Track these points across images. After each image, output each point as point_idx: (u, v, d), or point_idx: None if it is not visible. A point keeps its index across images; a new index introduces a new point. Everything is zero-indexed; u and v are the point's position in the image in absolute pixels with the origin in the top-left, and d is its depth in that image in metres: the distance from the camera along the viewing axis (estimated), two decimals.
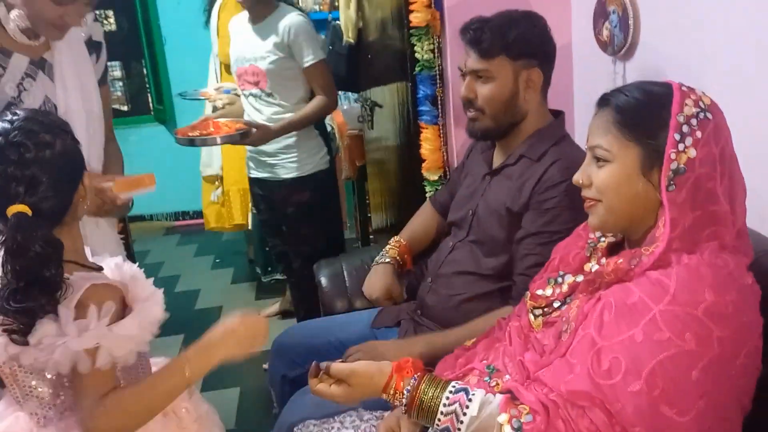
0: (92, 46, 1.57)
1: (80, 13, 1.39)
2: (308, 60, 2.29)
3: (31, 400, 1.11)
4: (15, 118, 1.05)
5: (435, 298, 1.65)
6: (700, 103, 1.02)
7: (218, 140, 2.28)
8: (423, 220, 1.95)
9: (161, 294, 1.15)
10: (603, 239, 1.17)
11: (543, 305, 1.17)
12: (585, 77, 2.01)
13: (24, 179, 1.01)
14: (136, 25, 4.71)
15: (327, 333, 1.77)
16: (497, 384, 1.13)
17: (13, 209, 1.01)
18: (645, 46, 1.67)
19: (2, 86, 1.39)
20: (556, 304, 1.17)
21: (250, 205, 3.45)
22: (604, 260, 1.14)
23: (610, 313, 0.98)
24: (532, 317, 1.19)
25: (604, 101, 1.09)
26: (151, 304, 1.11)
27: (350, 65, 2.96)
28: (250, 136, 2.27)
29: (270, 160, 2.47)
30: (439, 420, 1.03)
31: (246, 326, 1.18)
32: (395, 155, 2.58)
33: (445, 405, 1.03)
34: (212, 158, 3.53)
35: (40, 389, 1.10)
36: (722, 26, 1.40)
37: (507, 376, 1.14)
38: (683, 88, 1.04)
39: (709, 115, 1.01)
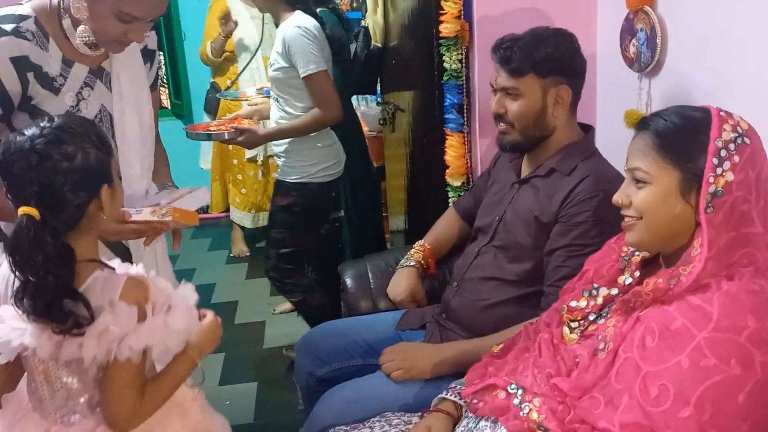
0: (147, 54, 1.61)
1: (143, 30, 1.42)
2: (302, 72, 2.28)
3: (58, 395, 1.14)
4: (46, 125, 1.08)
5: (460, 302, 1.70)
6: (738, 128, 1.06)
7: (211, 137, 2.52)
8: (446, 225, 2.00)
9: (191, 287, 1.19)
10: (637, 253, 1.21)
11: (579, 318, 1.22)
12: (609, 92, 2.06)
13: (38, 185, 1.05)
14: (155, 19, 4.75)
15: (353, 333, 1.82)
16: (530, 410, 1.17)
17: (24, 210, 1.04)
18: (671, 65, 1.72)
19: (62, 96, 1.42)
20: (591, 317, 1.21)
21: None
22: (637, 273, 1.19)
23: (653, 338, 1.03)
24: (567, 330, 1.23)
25: (643, 125, 1.13)
26: (187, 299, 1.16)
27: (373, 69, 3.01)
28: (238, 137, 2.38)
29: (277, 161, 2.56)
30: None
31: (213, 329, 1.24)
32: (416, 159, 2.63)
33: None
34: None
35: (70, 384, 1.13)
36: (750, 48, 1.44)
37: (537, 400, 1.17)
38: (721, 113, 1.08)
39: (747, 140, 1.06)
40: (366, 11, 3.05)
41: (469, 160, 2.21)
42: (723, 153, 1.04)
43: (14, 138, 1.07)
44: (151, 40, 1.63)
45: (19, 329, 1.08)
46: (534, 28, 1.65)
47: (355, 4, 4.53)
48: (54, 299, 1.04)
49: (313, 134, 2.40)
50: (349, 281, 2.10)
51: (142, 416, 1.13)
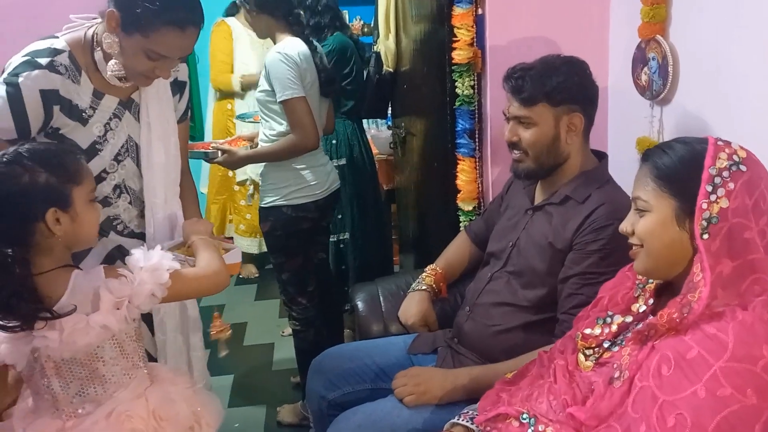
0: (177, 85, 1.65)
1: (170, 66, 1.48)
2: (278, 97, 2.30)
3: (71, 386, 1.24)
4: (13, 149, 1.20)
5: (473, 326, 1.70)
6: (734, 157, 1.08)
7: (190, 155, 2.45)
8: (458, 249, 2.01)
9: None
10: (651, 281, 1.23)
11: (593, 345, 1.22)
12: (621, 120, 2.08)
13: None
14: (183, 58, 4.82)
15: (364, 356, 1.82)
16: None
17: None
18: (683, 93, 1.73)
19: (90, 126, 1.47)
20: (606, 344, 1.22)
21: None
22: (651, 301, 1.20)
23: (669, 367, 1.03)
24: (582, 357, 1.23)
25: (645, 156, 1.17)
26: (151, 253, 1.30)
27: (385, 93, 3.05)
28: (218, 157, 2.43)
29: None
30: None
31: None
32: (428, 183, 2.65)
33: None
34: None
35: (81, 374, 1.25)
36: (761, 77, 1.46)
37: (550, 429, 1.17)
38: (719, 143, 1.10)
39: (743, 168, 1.07)
40: (377, 36, 3.09)
41: (480, 185, 2.22)
42: (717, 180, 1.06)
43: None
44: (182, 72, 1.67)
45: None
46: (545, 57, 1.67)
47: (366, 29, 4.60)
48: (7, 302, 1.14)
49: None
50: (360, 304, 2.10)
51: (218, 270, 1.38)
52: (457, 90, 2.15)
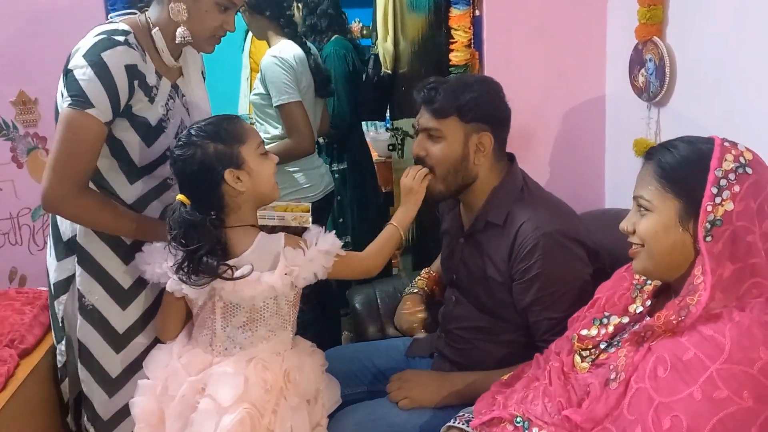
0: (204, 76, 1.71)
1: (233, 19, 1.54)
2: (274, 101, 2.30)
3: (229, 328, 1.41)
4: (187, 130, 1.39)
5: (452, 352, 1.67)
6: (741, 159, 1.07)
7: None
8: None
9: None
10: (649, 282, 1.22)
11: (590, 346, 1.22)
12: (618, 121, 2.08)
13: (180, 176, 1.38)
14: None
15: (363, 358, 1.82)
16: None
17: (178, 197, 1.37)
18: (680, 94, 1.74)
19: (156, 105, 1.50)
20: (602, 345, 1.21)
21: None
22: (649, 302, 1.19)
23: (665, 369, 1.03)
24: (578, 359, 1.23)
25: (648, 155, 1.15)
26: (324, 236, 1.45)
27: (383, 95, 3.05)
28: None
29: None
30: None
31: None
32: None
33: None
34: None
35: (240, 322, 1.41)
36: (757, 78, 1.46)
37: None
38: (725, 144, 1.09)
39: (749, 170, 1.06)
40: (376, 38, 3.10)
41: None
42: (723, 182, 1.05)
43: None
44: (203, 65, 1.73)
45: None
46: (460, 75, 1.67)
47: (365, 32, 4.61)
48: (200, 259, 1.34)
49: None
50: (358, 306, 2.11)
51: (380, 258, 1.58)
52: None
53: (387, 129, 3.57)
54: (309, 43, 2.53)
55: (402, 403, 1.55)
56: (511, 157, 1.62)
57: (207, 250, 1.34)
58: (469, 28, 2.09)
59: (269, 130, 2.39)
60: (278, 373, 1.40)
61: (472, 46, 2.10)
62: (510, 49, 2.08)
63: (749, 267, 1.05)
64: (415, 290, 1.89)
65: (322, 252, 1.40)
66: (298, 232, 1.50)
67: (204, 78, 1.73)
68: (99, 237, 1.52)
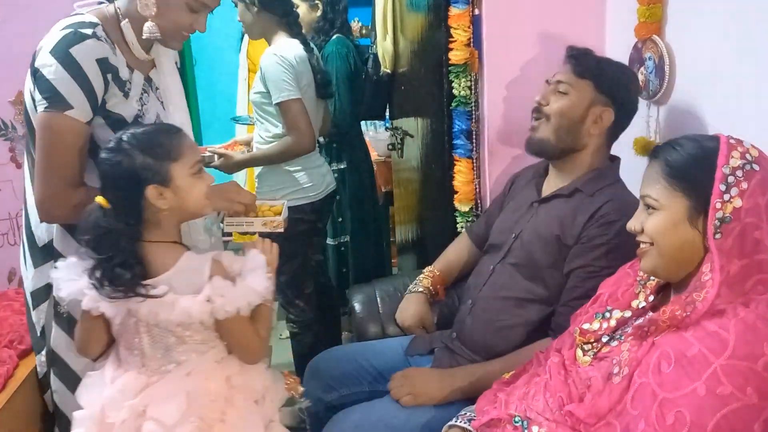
0: (178, 70, 1.67)
1: (205, 20, 1.49)
2: (274, 99, 2.30)
3: (157, 346, 1.34)
4: (121, 133, 1.31)
5: (475, 321, 1.67)
6: (747, 156, 1.07)
7: None
8: (457, 250, 2.00)
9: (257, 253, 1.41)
10: (653, 278, 1.22)
11: (592, 340, 1.22)
12: None
13: (102, 179, 1.31)
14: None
15: (361, 358, 1.82)
16: None
17: (97, 199, 1.29)
18: (679, 92, 1.73)
19: (131, 100, 1.46)
20: (604, 339, 1.21)
21: None
22: (652, 297, 1.19)
23: (669, 364, 1.03)
24: (580, 353, 1.23)
25: (655, 153, 1.15)
26: (257, 264, 1.38)
27: (383, 94, 3.05)
28: (215, 161, 2.42)
29: None
30: None
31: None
32: (425, 184, 2.64)
33: None
34: None
35: (170, 341, 1.34)
36: (757, 76, 1.45)
37: (543, 430, 1.17)
38: (731, 141, 1.09)
39: (756, 167, 1.06)
40: (375, 38, 3.09)
41: (477, 186, 2.21)
42: (731, 179, 1.05)
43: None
44: (178, 58, 1.69)
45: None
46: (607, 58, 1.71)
47: (364, 31, 4.60)
48: (112, 269, 1.26)
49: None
50: (357, 306, 2.10)
51: (263, 345, 1.41)
52: (454, 91, 2.14)
53: (387, 128, 3.57)
54: (311, 43, 2.53)
55: (404, 400, 1.55)
56: (613, 158, 1.69)
57: (119, 262, 1.27)
58: (469, 27, 2.08)
59: (270, 129, 2.39)
60: (220, 380, 1.36)
61: (472, 44, 2.10)
62: (509, 48, 2.07)
63: (756, 263, 1.05)
64: (420, 289, 1.89)
65: (253, 289, 1.32)
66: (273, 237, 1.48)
67: (178, 68, 1.68)
68: (76, 241, 1.46)
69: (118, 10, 1.45)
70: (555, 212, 1.61)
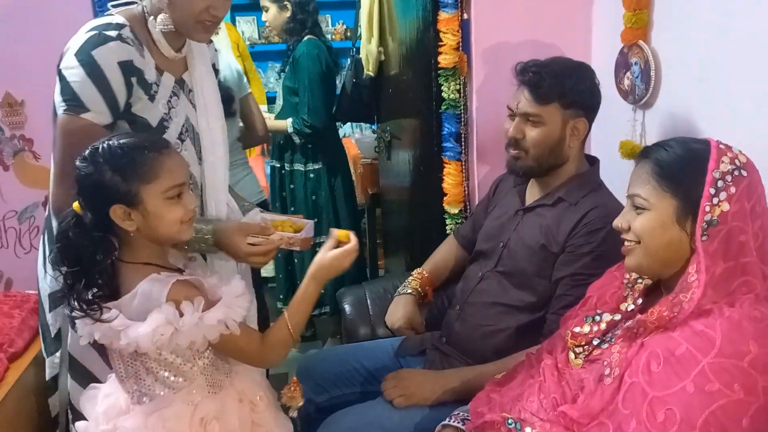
0: (215, 71, 1.64)
1: (223, 4, 1.41)
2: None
3: (130, 376, 1.27)
4: (101, 142, 1.23)
5: (463, 326, 1.70)
6: (736, 161, 1.10)
7: None
8: (445, 252, 2.02)
9: (249, 296, 1.31)
10: (640, 280, 1.25)
11: (583, 343, 1.24)
12: (604, 123, 2.08)
13: (77, 185, 1.23)
14: None
15: (352, 359, 1.82)
16: None
17: (74, 204, 1.23)
18: (665, 97, 1.76)
19: (156, 103, 1.43)
20: (595, 342, 1.23)
21: None
22: (640, 300, 1.22)
23: (658, 363, 1.05)
24: (572, 355, 1.25)
25: (645, 153, 1.18)
26: (240, 301, 1.25)
27: (369, 98, 3.06)
28: None
29: None
30: None
31: (333, 259, 1.37)
32: (413, 186, 2.66)
33: None
34: None
35: (139, 370, 1.26)
36: (741, 81, 1.49)
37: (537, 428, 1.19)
38: (721, 146, 1.12)
39: (744, 173, 1.10)
40: (356, 41, 3.11)
41: (466, 188, 2.24)
42: (720, 183, 1.08)
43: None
44: (215, 59, 1.66)
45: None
46: (556, 58, 1.68)
47: (349, 34, 4.61)
48: (73, 285, 1.20)
49: None
50: (347, 307, 2.11)
51: (284, 343, 1.32)
52: (443, 94, 2.17)
53: (373, 131, 3.58)
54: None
55: (397, 401, 1.56)
56: (592, 160, 1.71)
57: (84, 278, 1.20)
58: (458, 31, 2.11)
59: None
60: (189, 423, 1.25)
61: (461, 48, 2.12)
62: (497, 52, 2.10)
63: (741, 266, 1.08)
64: (409, 291, 1.90)
65: (206, 323, 1.19)
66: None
67: (216, 72, 1.65)
68: None
69: (145, 8, 1.43)
70: (539, 221, 1.63)
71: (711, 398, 0.99)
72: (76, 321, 1.24)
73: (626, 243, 1.18)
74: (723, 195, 1.08)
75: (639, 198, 1.15)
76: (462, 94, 2.17)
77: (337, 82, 3.12)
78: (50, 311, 1.53)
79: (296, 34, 3.01)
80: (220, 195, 1.59)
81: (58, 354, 1.55)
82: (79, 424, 1.35)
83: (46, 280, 1.53)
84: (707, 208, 1.08)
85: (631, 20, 1.79)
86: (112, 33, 1.35)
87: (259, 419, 1.36)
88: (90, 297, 1.19)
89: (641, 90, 1.80)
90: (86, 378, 1.52)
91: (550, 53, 2.09)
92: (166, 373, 1.25)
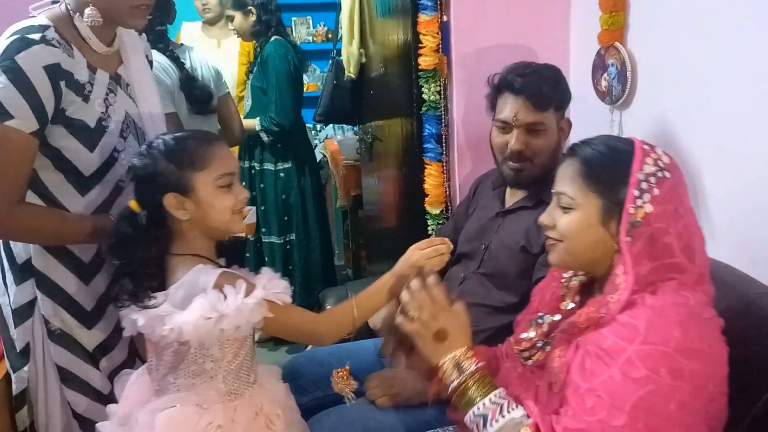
0: (150, 63, 1.62)
1: None
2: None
3: (161, 367, 1.28)
4: (155, 138, 1.30)
5: None
6: (660, 162, 1.11)
7: None
8: None
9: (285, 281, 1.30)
10: (574, 279, 1.26)
11: (527, 347, 1.25)
12: (582, 124, 2.11)
13: (133, 182, 1.29)
14: None
15: (335, 360, 1.81)
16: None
17: (130, 202, 1.29)
18: (642, 97, 1.79)
19: (92, 103, 1.39)
20: (539, 344, 1.24)
21: None
22: (577, 298, 1.23)
23: (591, 360, 1.07)
24: (522, 360, 1.26)
25: (572, 151, 1.18)
26: (276, 282, 1.27)
27: (350, 99, 3.07)
28: None
29: None
30: (467, 419, 1.13)
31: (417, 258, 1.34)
32: (395, 188, 2.67)
33: (477, 410, 1.11)
34: None
35: (170, 361, 1.27)
36: (715, 83, 1.52)
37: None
38: (644, 147, 1.13)
39: (667, 174, 1.10)
40: (335, 44, 3.13)
41: (447, 189, 2.25)
42: (644, 185, 1.09)
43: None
44: (148, 50, 1.64)
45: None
46: (528, 62, 1.69)
47: (330, 35, 4.61)
48: (123, 278, 1.24)
49: None
50: (330, 308, 2.11)
51: (343, 326, 1.35)
52: (423, 95, 2.19)
53: (355, 133, 3.59)
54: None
55: (380, 401, 1.57)
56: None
57: (130, 271, 1.24)
58: (437, 33, 2.13)
59: None
60: (194, 428, 1.24)
61: (441, 50, 2.14)
62: (477, 54, 2.12)
63: (666, 266, 1.09)
64: None
65: (249, 303, 1.20)
66: None
67: (151, 64, 1.62)
68: (55, 258, 1.44)
69: (68, 6, 1.38)
70: (520, 223, 1.64)
71: (638, 384, 1.00)
72: (121, 312, 1.27)
73: (549, 240, 1.19)
74: (647, 197, 1.08)
75: (565, 197, 1.15)
76: (442, 96, 2.18)
77: (305, 80, 3.26)
78: (15, 327, 1.49)
79: (263, 35, 3.11)
80: None
81: (26, 368, 1.51)
82: (110, 406, 1.36)
83: (9, 295, 1.49)
84: (631, 210, 1.08)
85: (607, 22, 1.81)
86: (36, 36, 1.30)
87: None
88: (133, 288, 1.23)
89: (618, 91, 1.83)
90: (81, 385, 1.51)
91: (528, 55, 2.12)
92: (194, 367, 1.26)
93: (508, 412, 1.09)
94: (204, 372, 1.26)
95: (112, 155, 1.44)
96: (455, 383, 1.15)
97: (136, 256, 1.25)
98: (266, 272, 1.29)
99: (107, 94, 1.43)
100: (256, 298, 1.21)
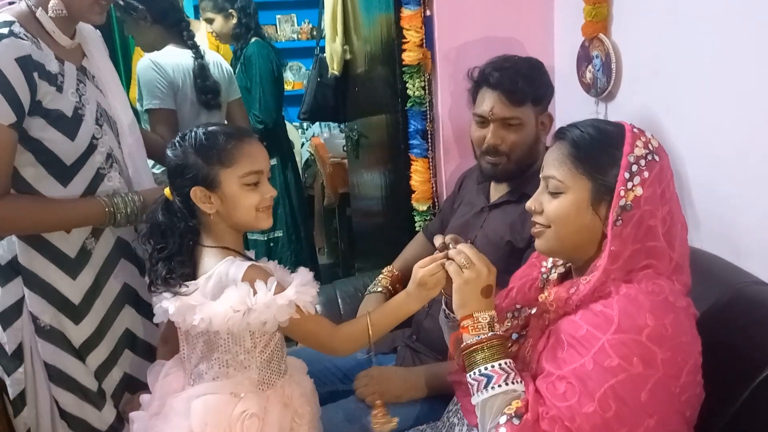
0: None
1: None
2: (145, 105, 2.37)
3: (193, 356, 1.30)
4: (188, 131, 1.31)
5: (432, 323, 1.69)
6: (649, 145, 1.10)
7: None
8: (415, 250, 2.02)
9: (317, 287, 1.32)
10: (554, 270, 1.25)
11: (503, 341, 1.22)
12: (567, 116, 2.11)
13: (168, 170, 1.32)
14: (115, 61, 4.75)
15: (324, 359, 1.80)
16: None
17: (165, 190, 1.32)
18: (626, 89, 1.79)
19: (66, 92, 1.41)
20: (514, 336, 1.24)
21: None
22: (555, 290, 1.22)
23: (563, 348, 1.06)
24: None
25: (560, 134, 1.16)
26: (308, 288, 1.28)
27: (336, 96, 3.05)
28: None
29: None
30: (472, 373, 1.13)
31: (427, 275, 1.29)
32: (382, 184, 2.66)
33: (484, 369, 1.11)
34: None
35: (202, 349, 1.29)
36: (697, 73, 1.52)
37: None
38: (635, 130, 1.12)
39: (657, 157, 1.09)
40: (319, 41, 3.12)
41: (434, 185, 2.24)
42: (634, 168, 1.08)
43: None
44: (104, 47, 1.65)
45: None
46: (508, 56, 1.68)
47: (314, 33, 4.59)
48: (157, 263, 1.27)
49: None
50: (318, 307, 2.08)
51: (357, 341, 1.32)
52: (408, 91, 2.17)
53: (341, 130, 3.57)
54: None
55: (369, 399, 1.56)
56: None
57: (164, 257, 1.27)
58: (421, 28, 2.10)
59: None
60: (229, 416, 1.26)
61: (425, 45, 2.12)
62: (461, 48, 2.11)
63: (646, 249, 1.08)
64: (379, 289, 1.90)
65: (278, 302, 1.21)
66: None
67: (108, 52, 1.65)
68: (40, 253, 1.45)
69: (29, 2, 1.40)
70: (504, 218, 1.64)
71: (610, 373, 1.00)
72: (154, 298, 1.29)
73: (536, 226, 1.17)
74: (637, 179, 1.07)
75: (554, 180, 1.13)
76: (427, 91, 2.17)
77: (290, 78, 3.36)
78: (4, 330, 1.49)
79: (243, 38, 3.18)
80: (142, 176, 1.62)
81: (21, 369, 1.51)
82: (143, 396, 1.37)
83: None
84: (622, 193, 1.07)
85: (591, 14, 1.81)
86: (3, 30, 1.31)
87: (298, 430, 1.35)
88: (166, 274, 1.25)
89: (603, 83, 1.83)
90: (69, 382, 1.51)
91: (513, 48, 2.11)
92: (228, 357, 1.27)
93: (513, 383, 1.09)
94: (238, 362, 1.28)
95: (92, 143, 1.46)
96: (481, 337, 1.14)
97: (169, 242, 1.28)
98: (302, 273, 1.31)
99: (78, 84, 1.45)
100: (286, 299, 1.22)
